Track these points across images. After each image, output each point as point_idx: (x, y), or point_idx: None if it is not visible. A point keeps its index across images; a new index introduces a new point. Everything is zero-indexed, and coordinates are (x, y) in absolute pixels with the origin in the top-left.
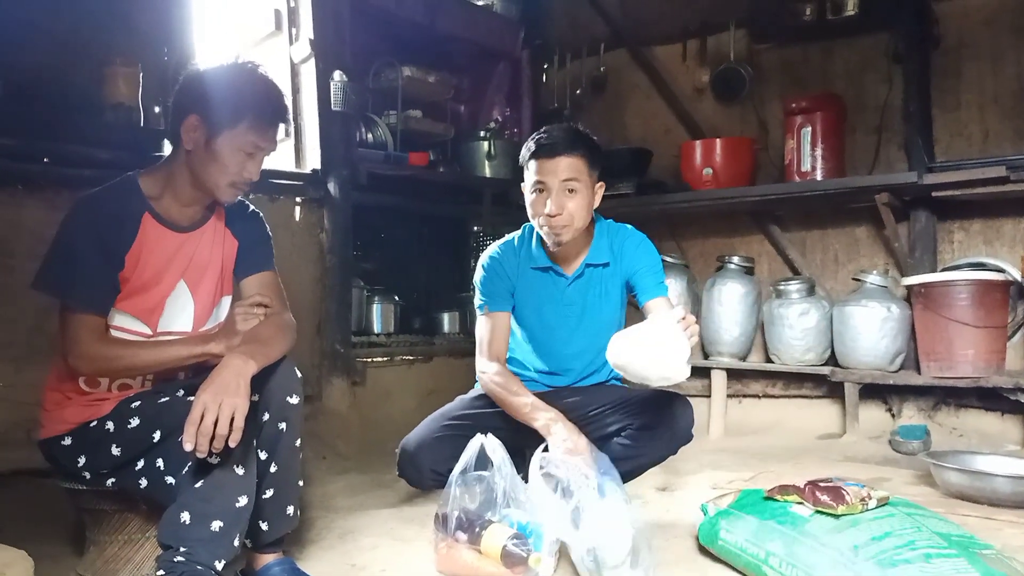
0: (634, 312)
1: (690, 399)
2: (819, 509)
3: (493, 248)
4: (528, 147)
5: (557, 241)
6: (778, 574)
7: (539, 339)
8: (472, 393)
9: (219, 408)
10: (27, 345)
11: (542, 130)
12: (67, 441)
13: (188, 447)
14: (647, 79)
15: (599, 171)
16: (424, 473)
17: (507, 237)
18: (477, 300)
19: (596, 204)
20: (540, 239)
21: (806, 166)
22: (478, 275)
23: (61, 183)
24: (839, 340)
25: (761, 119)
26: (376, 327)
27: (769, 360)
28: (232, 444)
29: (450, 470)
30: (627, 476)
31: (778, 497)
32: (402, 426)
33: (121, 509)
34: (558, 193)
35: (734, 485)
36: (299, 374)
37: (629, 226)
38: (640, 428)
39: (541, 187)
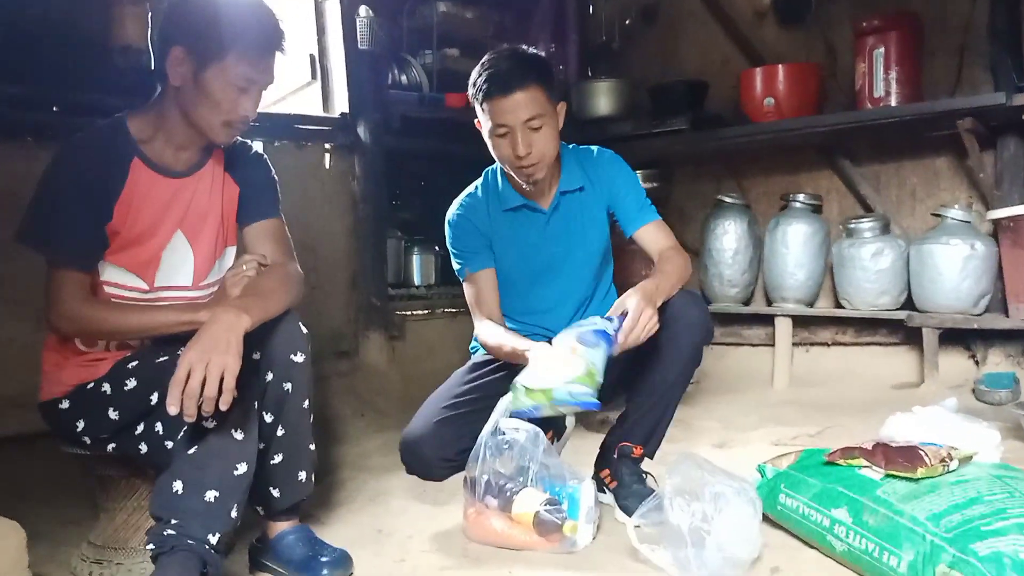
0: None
1: (752, 348)
2: (891, 472)
3: (456, 203)
4: (476, 85)
5: (532, 181)
6: (845, 544)
7: (526, 286)
8: (466, 366)
9: (206, 368)
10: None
11: (486, 62)
12: (65, 404)
13: (173, 411)
14: (702, 5)
15: (558, 92)
16: (431, 463)
17: (469, 188)
18: (455, 265)
19: (560, 126)
20: (507, 178)
21: (879, 92)
22: (447, 237)
23: (73, 133)
24: (916, 282)
25: (829, 43)
26: (416, 279)
27: (839, 305)
28: (223, 407)
29: (460, 452)
30: (666, 410)
31: (840, 461)
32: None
33: (128, 475)
34: (523, 133)
35: (798, 442)
36: (304, 330)
37: (595, 146)
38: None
39: (503, 130)
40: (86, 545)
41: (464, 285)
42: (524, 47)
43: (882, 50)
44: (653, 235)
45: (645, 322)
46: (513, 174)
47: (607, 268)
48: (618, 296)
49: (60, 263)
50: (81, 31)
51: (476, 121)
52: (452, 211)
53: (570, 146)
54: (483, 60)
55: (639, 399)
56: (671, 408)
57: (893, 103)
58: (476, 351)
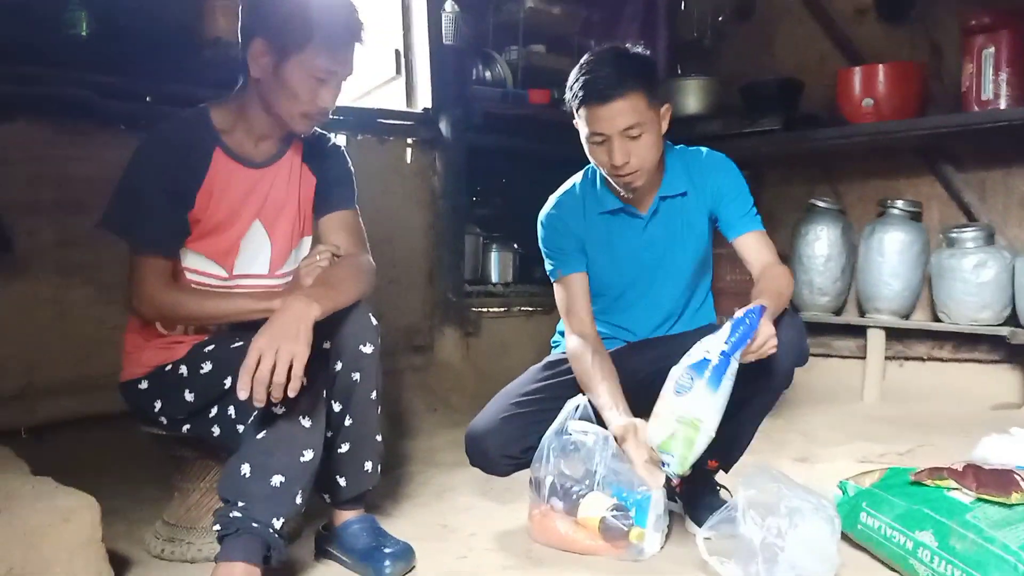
0: None
1: (842, 360)
2: (982, 496)
3: (552, 201)
4: (573, 91)
5: (631, 190)
6: (929, 570)
7: (614, 292)
8: (541, 363)
9: (276, 355)
10: None
11: (584, 65)
12: (144, 385)
13: (242, 395)
14: (799, 1)
15: (661, 96)
16: (494, 459)
17: (567, 184)
18: (547, 265)
19: (664, 130)
20: (605, 180)
21: (987, 94)
22: (540, 235)
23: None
24: (1022, 296)
25: (933, 41)
26: (493, 276)
27: (936, 318)
28: (291, 393)
29: (524, 451)
30: (746, 428)
31: (927, 482)
32: None
33: (201, 456)
34: (621, 142)
35: (886, 459)
36: (374, 321)
37: (704, 148)
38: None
39: (600, 138)
40: (160, 523)
41: (555, 287)
42: (627, 47)
43: (992, 50)
44: (755, 246)
45: (768, 346)
46: (611, 180)
47: (704, 277)
48: (715, 305)
49: (143, 250)
50: (174, 23)
51: (574, 121)
52: (547, 209)
53: (676, 147)
54: (581, 62)
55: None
56: (753, 427)
57: (1003, 106)
58: (557, 346)
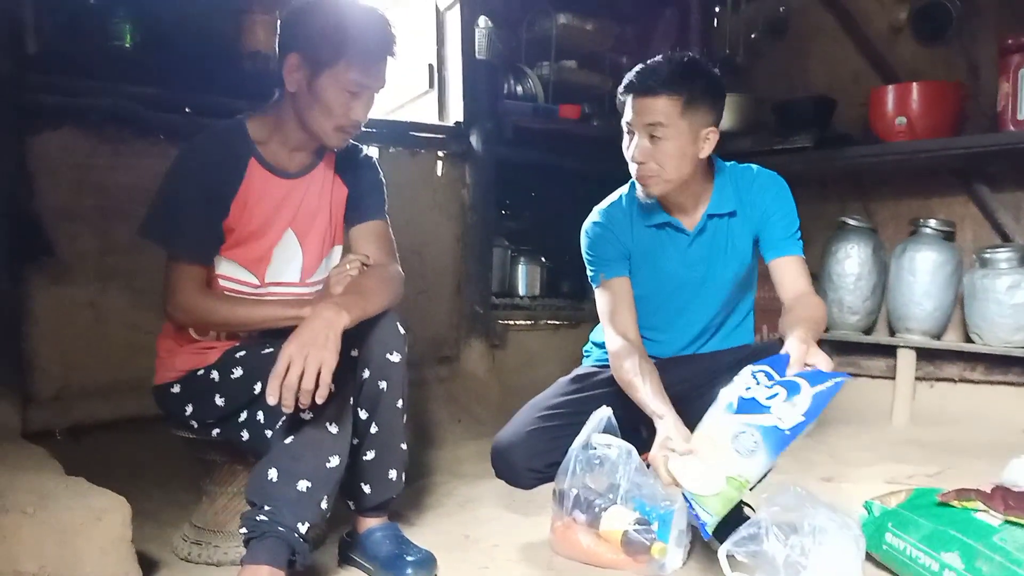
0: None
1: (871, 380)
2: (1011, 519)
3: (597, 211)
4: (626, 77)
5: (646, 193)
6: None
7: (650, 306)
8: (569, 376)
9: (305, 361)
10: None
11: (652, 60)
12: (176, 389)
13: (271, 401)
14: (834, 19)
15: (711, 115)
16: (519, 472)
17: (612, 196)
18: (589, 272)
19: (704, 154)
20: None
21: None
22: (583, 244)
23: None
24: None
25: (971, 61)
26: (520, 289)
27: (969, 339)
28: (319, 400)
29: (549, 465)
30: None
31: (954, 503)
32: None
33: (230, 461)
34: (641, 138)
35: (914, 481)
36: (402, 330)
37: (755, 165)
38: None
39: (629, 128)
40: (188, 526)
41: (597, 293)
42: (704, 61)
43: None
44: (791, 270)
45: None
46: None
47: (744, 297)
48: (755, 324)
49: (179, 257)
50: (214, 37)
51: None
52: (592, 218)
53: (727, 164)
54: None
55: None
56: None
57: None
58: (588, 356)
